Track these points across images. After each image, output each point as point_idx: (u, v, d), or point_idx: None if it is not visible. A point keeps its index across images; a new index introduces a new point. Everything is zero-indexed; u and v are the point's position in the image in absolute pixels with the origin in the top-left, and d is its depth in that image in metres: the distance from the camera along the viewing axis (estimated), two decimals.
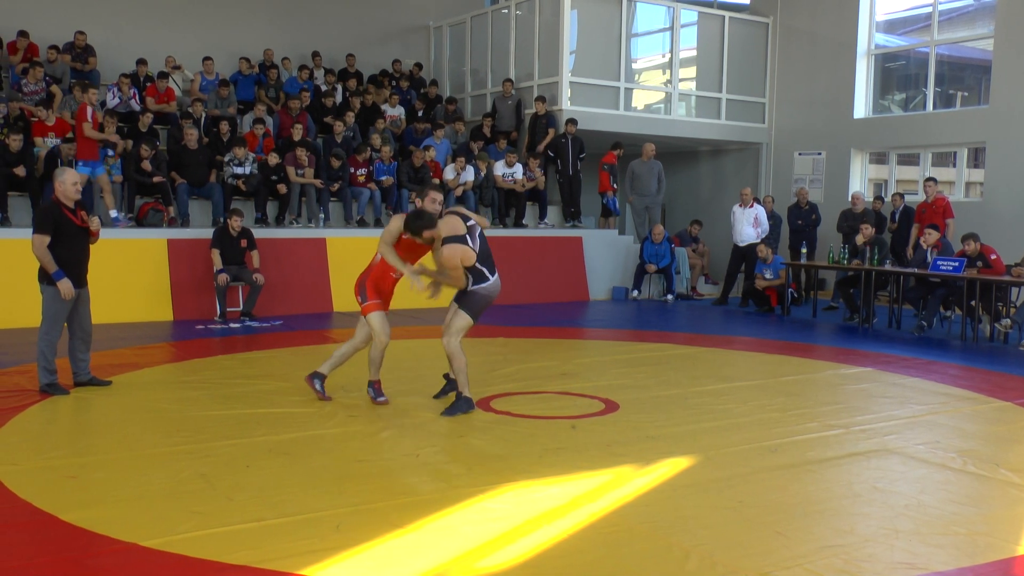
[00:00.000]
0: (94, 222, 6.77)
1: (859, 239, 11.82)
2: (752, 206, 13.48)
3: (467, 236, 6.11)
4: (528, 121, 14.68)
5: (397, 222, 6.20)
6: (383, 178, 13.14)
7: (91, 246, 6.85)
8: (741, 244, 13.51)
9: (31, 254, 10.38)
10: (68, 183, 6.56)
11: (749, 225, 13.42)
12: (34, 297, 9.99)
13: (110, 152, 11.39)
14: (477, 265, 6.14)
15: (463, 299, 6.27)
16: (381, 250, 6.29)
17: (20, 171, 10.67)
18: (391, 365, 8.16)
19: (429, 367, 7.78)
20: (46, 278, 6.55)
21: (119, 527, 4.05)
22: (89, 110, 10.91)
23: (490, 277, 6.21)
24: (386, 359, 8.51)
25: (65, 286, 6.48)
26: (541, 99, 14.42)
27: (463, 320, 6.25)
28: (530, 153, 14.21)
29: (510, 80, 15.01)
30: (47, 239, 6.46)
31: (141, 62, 14.05)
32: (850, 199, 13.22)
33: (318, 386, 6.64)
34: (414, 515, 4.27)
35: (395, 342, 9.54)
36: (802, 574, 3.71)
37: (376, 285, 6.44)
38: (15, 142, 10.74)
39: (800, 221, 13.50)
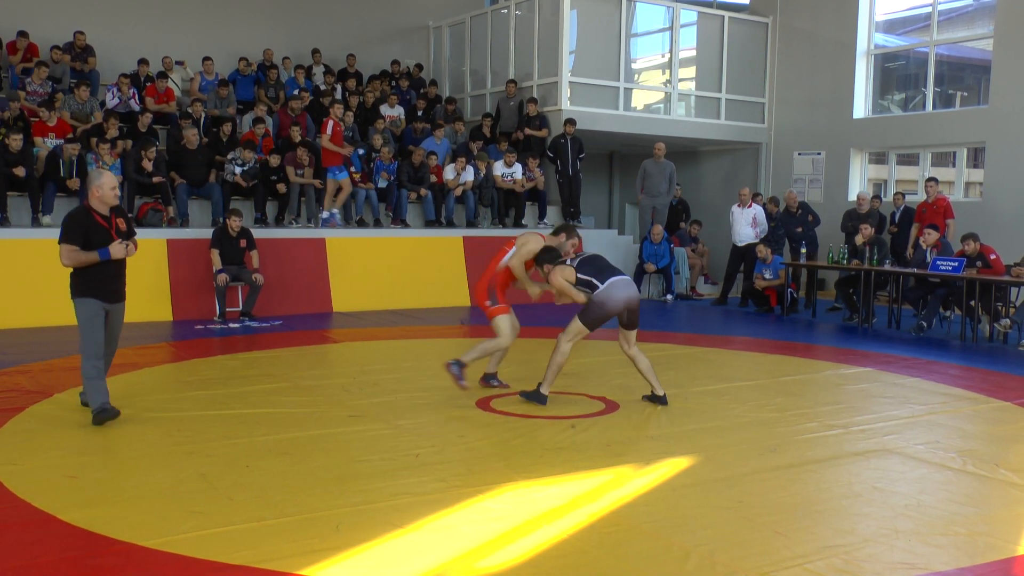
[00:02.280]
0: (119, 249, 5.87)
1: (859, 239, 11.83)
2: (750, 206, 13.47)
3: (565, 259, 6.62)
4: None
5: (535, 244, 6.72)
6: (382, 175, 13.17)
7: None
8: (740, 244, 13.50)
9: (31, 254, 10.45)
10: (107, 187, 5.85)
11: (748, 225, 13.42)
12: (33, 297, 10.04)
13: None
14: (580, 276, 6.46)
15: (583, 306, 6.57)
16: (514, 264, 6.73)
17: (20, 171, 10.67)
18: (391, 366, 8.17)
19: (429, 367, 7.77)
20: (77, 291, 5.88)
21: (119, 527, 4.04)
22: (330, 123, 12.25)
23: (599, 284, 6.43)
24: (385, 360, 8.54)
25: (116, 249, 5.83)
26: (534, 100, 14.44)
27: (575, 325, 6.54)
28: (528, 152, 14.22)
29: (513, 81, 15.01)
30: (75, 249, 5.77)
31: (143, 62, 14.06)
32: (856, 199, 13.15)
33: (455, 370, 6.71)
34: (414, 515, 4.27)
35: (396, 342, 9.58)
36: (802, 574, 3.71)
37: (503, 288, 6.84)
38: (15, 142, 10.74)
39: (800, 228, 13.34)
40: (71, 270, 5.88)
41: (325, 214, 12.49)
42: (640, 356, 6.68)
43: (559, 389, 7.11)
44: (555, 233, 6.95)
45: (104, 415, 5.81)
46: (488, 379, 7.14)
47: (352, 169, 12.81)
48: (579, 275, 6.47)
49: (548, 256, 6.61)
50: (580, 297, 6.50)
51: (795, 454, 5.48)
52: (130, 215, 11.29)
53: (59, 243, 5.81)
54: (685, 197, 16.31)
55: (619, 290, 6.46)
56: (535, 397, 6.58)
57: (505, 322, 6.73)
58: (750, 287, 13.17)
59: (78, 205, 6.07)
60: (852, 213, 12.94)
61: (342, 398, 6.76)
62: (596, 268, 6.53)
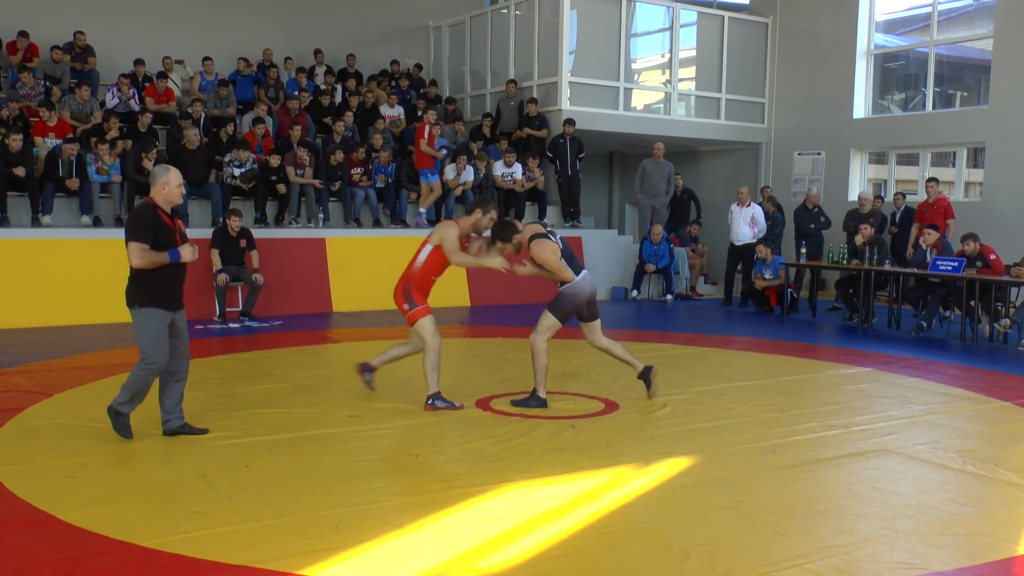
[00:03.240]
0: (189, 252, 5.47)
1: (859, 239, 11.81)
2: (749, 205, 13.47)
3: (550, 234, 6.55)
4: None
5: (454, 231, 6.41)
6: (381, 175, 13.19)
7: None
8: (738, 243, 13.50)
9: (31, 254, 10.46)
10: (174, 184, 5.47)
11: (746, 224, 13.41)
12: (33, 297, 10.04)
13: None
14: (562, 260, 6.46)
15: (552, 301, 6.58)
16: (457, 260, 6.44)
17: (19, 171, 10.66)
18: (391, 366, 8.15)
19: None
20: (140, 299, 5.36)
21: (118, 527, 4.04)
22: (427, 128, 13.19)
23: (575, 276, 6.47)
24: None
25: (187, 252, 5.44)
26: (534, 100, 14.45)
27: (548, 320, 6.53)
28: (528, 152, 14.22)
29: (513, 81, 15.00)
30: (147, 248, 5.31)
31: (139, 62, 14.02)
32: (857, 199, 13.14)
33: (368, 377, 6.60)
34: (414, 515, 4.27)
35: (396, 342, 9.55)
36: (802, 574, 3.71)
37: (420, 289, 6.52)
38: (15, 142, 10.73)
39: (812, 225, 13.38)
40: (131, 274, 5.40)
41: (422, 211, 13.25)
42: (613, 344, 6.77)
43: (559, 389, 7.12)
44: (470, 212, 6.58)
45: (118, 420, 5.48)
46: (364, 370, 6.83)
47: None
48: (561, 259, 6.46)
49: (508, 231, 6.42)
50: (568, 274, 6.43)
51: (795, 454, 5.48)
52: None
53: (128, 241, 5.31)
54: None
55: (587, 283, 6.53)
56: (534, 402, 6.54)
57: (429, 324, 6.40)
58: (750, 287, 13.16)
59: (142, 202, 5.53)
60: (854, 213, 12.94)
61: (342, 398, 6.76)
62: (569, 257, 6.52)
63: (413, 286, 6.46)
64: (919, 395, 7.30)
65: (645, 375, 6.79)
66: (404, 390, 7.04)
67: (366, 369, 6.82)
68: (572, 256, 6.55)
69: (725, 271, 13.88)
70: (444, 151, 13.67)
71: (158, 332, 5.37)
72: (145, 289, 5.36)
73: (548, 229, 6.61)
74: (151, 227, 5.34)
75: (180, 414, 5.64)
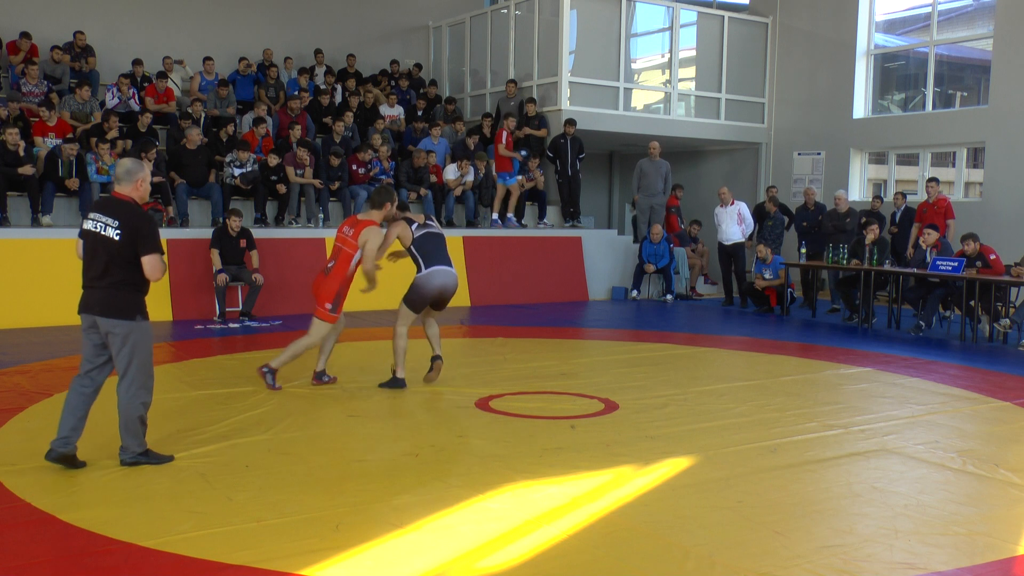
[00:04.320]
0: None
1: (870, 237, 11.69)
2: (732, 204, 13.46)
3: (415, 222, 7.02)
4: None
5: (380, 237, 6.92)
6: (382, 177, 13.17)
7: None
8: (727, 243, 13.47)
9: (31, 254, 10.44)
10: (149, 179, 4.95)
11: (734, 223, 13.39)
12: (33, 297, 10.04)
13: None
14: (411, 249, 6.93)
15: (407, 291, 7.02)
16: (373, 257, 6.84)
17: (27, 170, 10.60)
18: (391, 366, 8.17)
19: (425, 368, 7.77)
20: (141, 310, 4.89)
21: (118, 527, 4.05)
22: (504, 134, 13.84)
23: (423, 269, 6.88)
24: (385, 360, 8.53)
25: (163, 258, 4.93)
26: (532, 100, 14.46)
27: (401, 309, 7.00)
28: (531, 151, 14.23)
29: (514, 81, 15.01)
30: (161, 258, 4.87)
31: (137, 62, 14.03)
32: (835, 199, 13.10)
33: (269, 379, 6.89)
34: (413, 515, 4.27)
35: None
36: (801, 574, 3.71)
37: (344, 298, 6.92)
38: (12, 136, 10.71)
39: (805, 223, 13.40)
40: (128, 282, 4.87)
41: (494, 216, 13.71)
42: (433, 323, 7.18)
43: (559, 389, 7.12)
44: (379, 206, 6.94)
45: (150, 457, 5.00)
46: (319, 376, 7.21)
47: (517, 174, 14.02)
48: (413, 248, 6.89)
49: (389, 196, 6.95)
50: (369, 266, 6.78)
51: (795, 454, 5.49)
52: None
53: (151, 253, 4.76)
54: (685, 196, 16.29)
55: (436, 278, 6.89)
56: (393, 384, 6.95)
57: (324, 330, 6.85)
58: (749, 287, 13.16)
59: (134, 204, 4.89)
60: (833, 213, 12.90)
61: (341, 398, 6.76)
62: (427, 251, 6.94)
63: (344, 292, 6.88)
64: (919, 395, 7.30)
65: (434, 360, 7.18)
66: (403, 390, 7.04)
67: (320, 376, 7.19)
68: (431, 252, 6.93)
69: (722, 272, 13.87)
70: (523, 152, 14.03)
71: (151, 345, 5.01)
72: (142, 298, 4.92)
73: (426, 222, 7.06)
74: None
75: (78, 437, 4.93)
